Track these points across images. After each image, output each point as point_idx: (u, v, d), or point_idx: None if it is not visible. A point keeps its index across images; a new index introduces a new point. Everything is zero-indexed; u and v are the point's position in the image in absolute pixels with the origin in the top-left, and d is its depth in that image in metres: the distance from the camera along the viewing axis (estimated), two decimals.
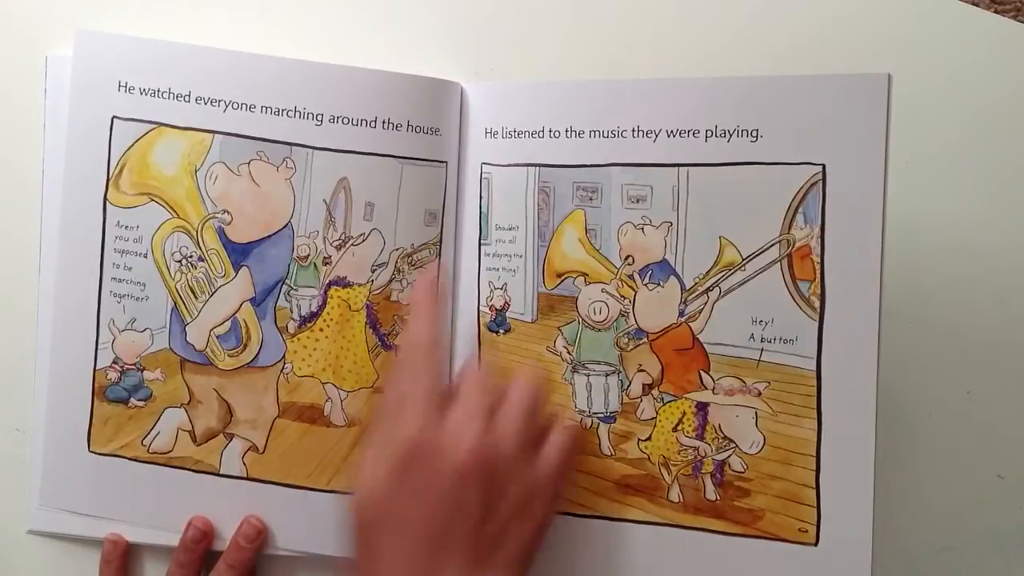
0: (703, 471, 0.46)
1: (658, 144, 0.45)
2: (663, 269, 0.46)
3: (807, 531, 0.45)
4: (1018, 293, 0.50)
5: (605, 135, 0.46)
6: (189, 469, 0.48)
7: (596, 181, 0.46)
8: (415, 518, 0.39)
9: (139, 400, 0.48)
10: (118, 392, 0.48)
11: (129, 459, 0.48)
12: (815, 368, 0.44)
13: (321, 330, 0.48)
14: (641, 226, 0.46)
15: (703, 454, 0.46)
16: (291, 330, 0.48)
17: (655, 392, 0.46)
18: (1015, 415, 0.50)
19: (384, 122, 0.47)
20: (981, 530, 0.50)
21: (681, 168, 0.45)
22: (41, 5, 0.50)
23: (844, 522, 0.44)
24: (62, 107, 0.48)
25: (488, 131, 0.48)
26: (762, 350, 0.45)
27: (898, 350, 0.49)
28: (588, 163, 0.46)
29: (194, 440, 0.48)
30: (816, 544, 0.45)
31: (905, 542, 0.50)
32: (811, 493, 0.45)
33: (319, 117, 0.47)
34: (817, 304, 0.44)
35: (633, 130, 0.46)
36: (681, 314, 0.46)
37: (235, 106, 0.47)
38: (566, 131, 0.46)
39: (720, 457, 0.46)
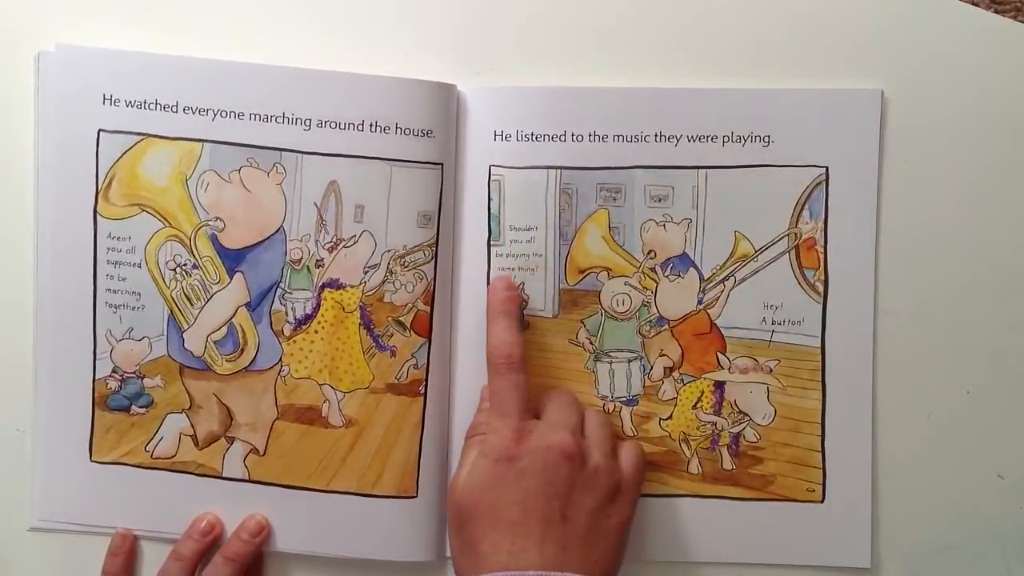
0: (720, 444, 0.50)
1: (679, 148, 0.49)
2: (683, 262, 0.50)
3: (814, 490, 0.50)
4: (1018, 293, 0.49)
5: (629, 139, 0.49)
6: (192, 473, 0.49)
7: (620, 182, 0.49)
8: (509, 504, 0.44)
9: (140, 407, 0.49)
10: (119, 401, 0.49)
11: (132, 466, 0.49)
12: (819, 345, 0.50)
13: (316, 332, 0.49)
14: (663, 223, 0.50)
15: (720, 428, 0.50)
16: (287, 333, 0.49)
17: (675, 374, 0.50)
18: (1015, 415, 0.50)
19: (372, 125, 0.47)
20: (981, 530, 0.50)
21: (700, 170, 0.49)
22: (31, 1, 0.50)
23: (846, 480, 0.50)
24: (55, 105, 0.48)
25: (498, 134, 0.49)
26: (772, 331, 0.50)
27: (898, 350, 0.50)
28: (612, 165, 0.49)
29: (196, 444, 0.49)
30: (822, 501, 0.50)
31: (905, 542, 0.50)
32: (817, 456, 0.50)
33: (307, 122, 0.48)
34: (821, 289, 0.50)
35: (656, 135, 0.49)
36: (700, 302, 0.50)
37: (223, 114, 0.47)
38: (590, 135, 0.49)
39: (736, 430, 0.50)
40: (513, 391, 0.46)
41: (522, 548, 0.42)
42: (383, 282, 0.48)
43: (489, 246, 0.49)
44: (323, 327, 0.49)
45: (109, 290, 0.48)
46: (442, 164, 0.48)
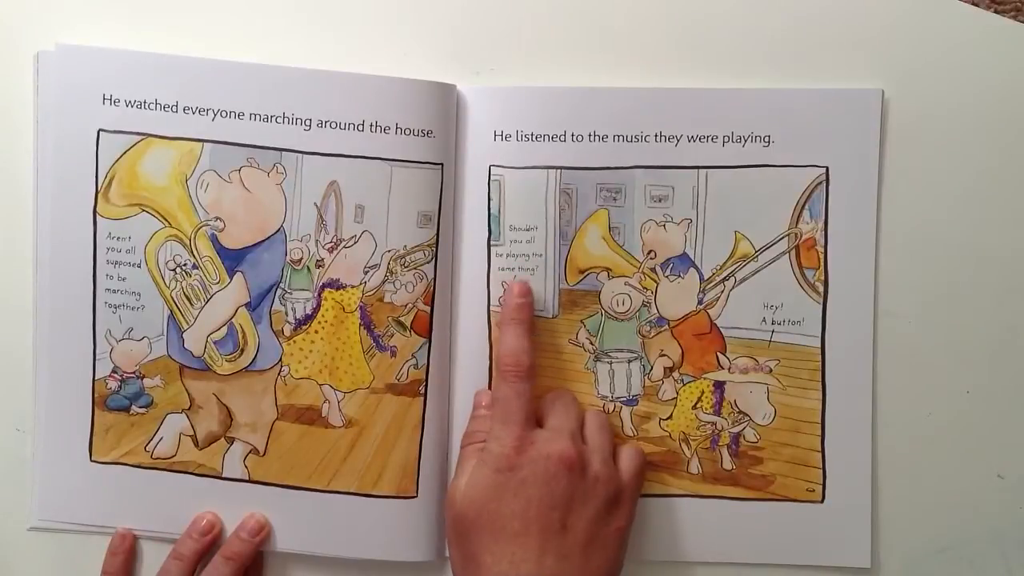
0: (720, 444, 0.50)
1: (679, 148, 0.49)
2: (683, 262, 0.50)
3: (814, 491, 0.50)
4: (1018, 293, 0.49)
5: (629, 139, 0.49)
6: (192, 473, 0.49)
7: (620, 182, 0.49)
8: (510, 514, 0.44)
9: (140, 407, 0.49)
10: (119, 401, 0.49)
11: (132, 466, 0.49)
12: (819, 345, 0.50)
13: (316, 332, 0.49)
14: (663, 223, 0.50)
15: (720, 428, 0.50)
16: (287, 333, 0.49)
17: (675, 374, 0.50)
18: (1015, 415, 0.50)
19: (372, 125, 0.47)
20: (981, 530, 0.50)
21: (700, 170, 0.49)
22: (31, 1, 0.50)
23: (847, 480, 0.50)
24: (55, 105, 0.48)
25: (498, 134, 0.49)
26: (772, 331, 0.50)
27: (898, 350, 0.50)
28: (612, 165, 0.49)
29: (196, 444, 0.49)
30: (822, 501, 0.50)
31: (905, 542, 0.50)
32: (817, 456, 0.50)
33: (307, 122, 0.48)
34: (821, 289, 0.50)
35: (656, 135, 0.49)
36: (700, 302, 0.50)
37: (223, 114, 0.47)
38: (590, 135, 0.49)
39: (736, 430, 0.50)
40: (517, 399, 0.46)
41: (523, 558, 0.43)
42: (383, 282, 0.48)
43: (489, 246, 0.49)
44: (323, 327, 0.49)
45: (109, 290, 0.48)
46: (442, 164, 0.48)
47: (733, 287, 0.49)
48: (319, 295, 0.49)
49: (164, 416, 0.49)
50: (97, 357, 0.49)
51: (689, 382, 0.50)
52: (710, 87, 0.49)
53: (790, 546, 0.49)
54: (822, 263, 0.49)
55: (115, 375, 0.49)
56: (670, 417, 0.50)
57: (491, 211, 0.49)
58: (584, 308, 0.50)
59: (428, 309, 0.49)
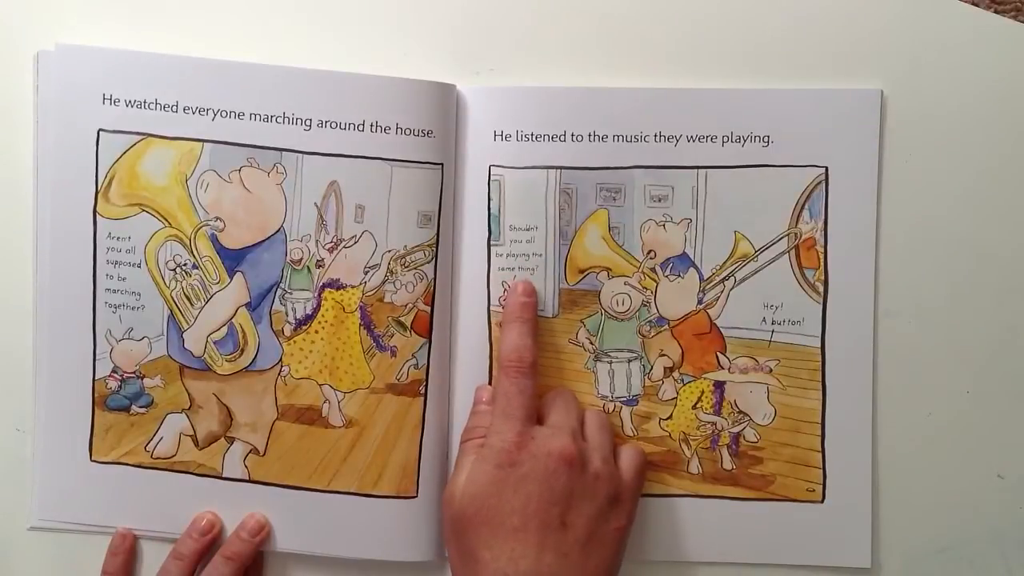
0: (720, 444, 0.50)
1: (679, 148, 0.49)
2: (683, 262, 0.50)
3: (814, 491, 0.50)
4: (1018, 293, 0.50)
5: (628, 140, 0.49)
6: (192, 473, 0.49)
7: (620, 182, 0.50)
8: (509, 510, 0.44)
9: (140, 407, 0.49)
10: (119, 401, 0.49)
11: (132, 466, 0.49)
12: (819, 345, 0.50)
13: (316, 332, 0.49)
14: (663, 223, 0.50)
15: (720, 428, 0.50)
16: (287, 333, 0.49)
17: (675, 374, 0.50)
18: (1015, 415, 0.50)
19: (372, 125, 0.48)
20: (981, 530, 0.50)
21: (700, 170, 0.49)
22: (31, 1, 0.50)
23: (847, 480, 0.50)
24: (55, 105, 0.48)
25: (498, 134, 0.49)
26: (772, 331, 0.50)
27: (898, 350, 0.50)
28: (612, 165, 0.49)
29: (196, 444, 0.49)
30: (822, 501, 0.50)
31: (905, 542, 0.50)
32: (817, 456, 0.50)
33: (308, 122, 0.48)
34: (821, 289, 0.50)
35: (655, 135, 0.49)
36: (700, 302, 0.50)
37: (223, 114, 0.48)
38: (590, 135, 0.49)
39: (736, 430, 0.50)
40: (520, 395, 0.46)
41: (522, 555, 0.43)
42: (383, 282, 0.48)
43: (489, 246, 0.50)
44: (323, 327, 0.49)
45: (109, 290, 0.48)
46: (442, 164, 0.48)
47: (733, 287, 0.49)
48: (319, 295, 0.49)
49: (164, 416, 0.49)
50: (97, 357, 0.49)
51: (689, 382, 0.50)
52: (710, 87, 0.49)
53: (790, 546, 0.49)
54: (822, 263, 0.49)
55: (115, 375, 0.49)
56: (670, 417, 0.50)
57: (491, 211, 0.49)
58: (584, 308, 0.50)
59: (428, 309, 0.49)
